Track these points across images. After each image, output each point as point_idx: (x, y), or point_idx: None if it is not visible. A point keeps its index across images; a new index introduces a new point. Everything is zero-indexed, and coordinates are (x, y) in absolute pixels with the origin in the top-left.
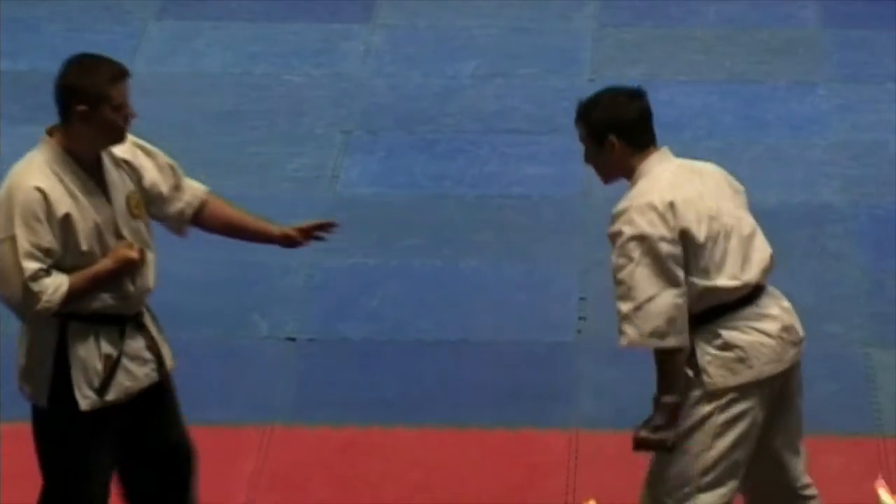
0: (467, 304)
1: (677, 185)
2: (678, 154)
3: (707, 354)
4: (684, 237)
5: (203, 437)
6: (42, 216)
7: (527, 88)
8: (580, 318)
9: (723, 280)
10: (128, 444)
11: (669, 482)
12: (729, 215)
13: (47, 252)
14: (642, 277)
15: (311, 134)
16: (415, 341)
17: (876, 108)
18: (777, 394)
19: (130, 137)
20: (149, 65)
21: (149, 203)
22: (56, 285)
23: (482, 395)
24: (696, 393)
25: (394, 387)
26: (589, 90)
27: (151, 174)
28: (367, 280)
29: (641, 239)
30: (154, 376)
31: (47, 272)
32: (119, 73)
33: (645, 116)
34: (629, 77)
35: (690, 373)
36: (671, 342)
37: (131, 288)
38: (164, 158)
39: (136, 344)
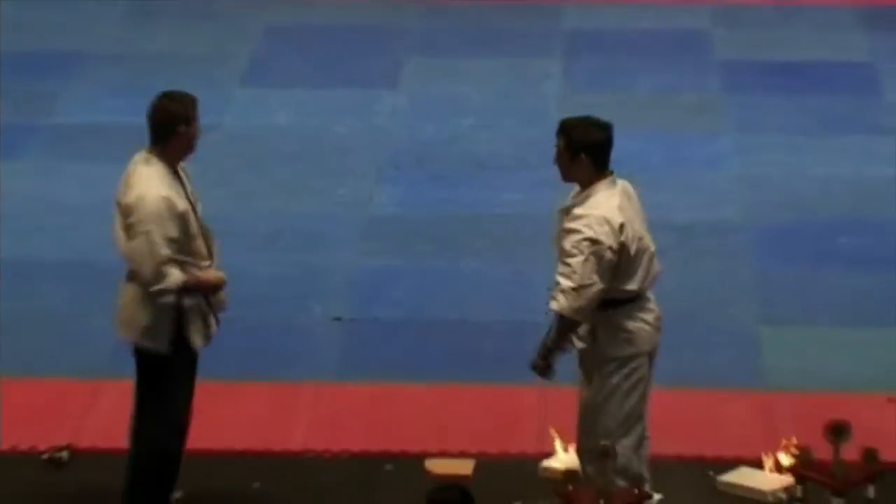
0: (466, 293)
1: (623, 209)
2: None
3: (605, 333)
4: (622, 250)
5: (271, 391)
6: (168, 215)
7: (509, 137)
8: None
9: (631, 285)
10: None
11: (598, 435)
12: (645, 237)
13: (174, 241)
14: (586, 269)
15: (352, 170)
16: (427, 321)
17: (764, 152)
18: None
19: None
20: (235, 119)
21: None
22: (176, 276)
23: (477, 360)
24: (599, 360)
25: (411, 354)
26: (554, 140)
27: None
28: (393, 276)
29: (594, 242)
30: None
31: (174, 262)
32: (195, 102)
33: (607, 145)
34: None
35: (582, 345)
36: (581, 318)
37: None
38: None
39: (210, 310)
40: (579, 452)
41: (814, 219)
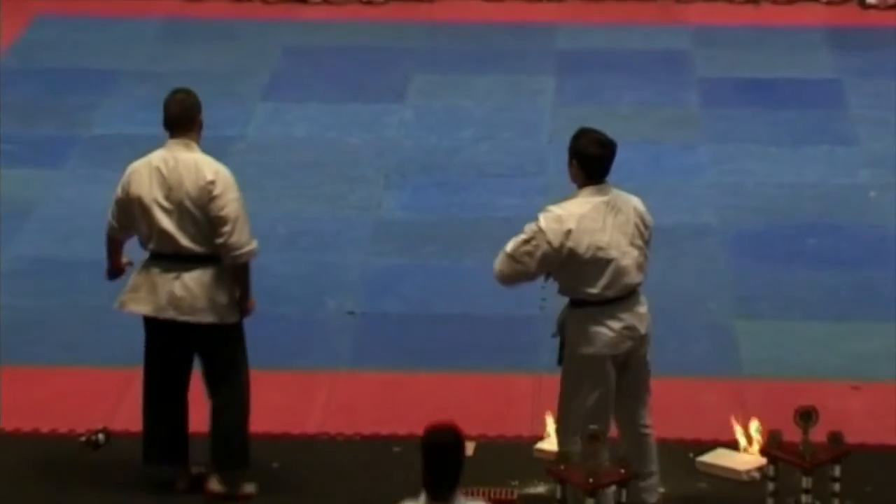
0: (467, 290)
1: (585, 218)
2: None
3: (571, 330)
4: (571, 254)
5: (290, 379)
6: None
7: (506, 147)
8: (542, 299)
9: (591, 289)
10: None
11: (568, 424)
12: (616, 249)
13: None
14: (523, 247)
15: (363, 177)
16: (432, 315)
17: (739, 161)
18: (621, 366)
19: None
20: (257, 131)
21: None
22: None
23: (477, 350)
24: (567, 354)
25: (418, 345)
26: (548, 150)
27: None
28: (400, 274)
29: (539, 231)
30: None
31: None
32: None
33: (601, 160)
34: None
35: (554, 335)
36: (502, 282)
37: None
38: None
39: None
40: (556, 433)
41: (784, 222)
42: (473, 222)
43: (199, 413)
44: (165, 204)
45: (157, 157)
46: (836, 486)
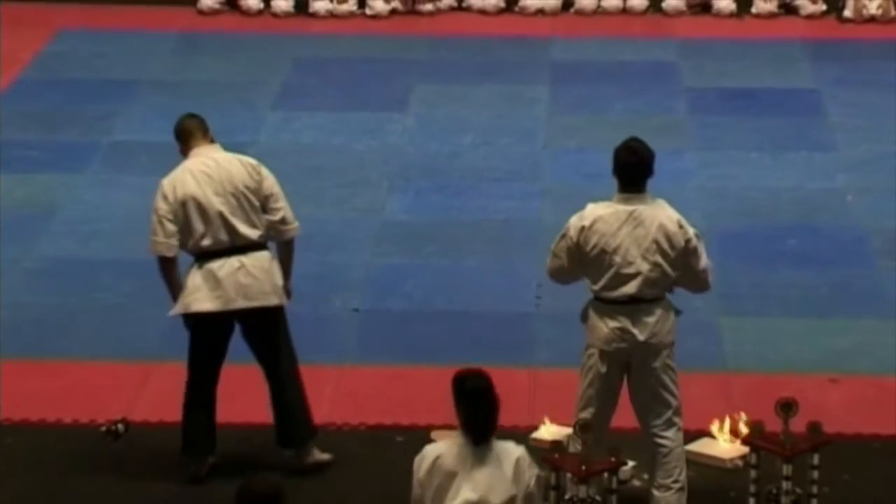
0: (466, 288)
1: (601, 220)
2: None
3: (586, 317)
4: (580, 250)
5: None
6: None
7: (503, 153)
8: (537, 297)
9: (592, 284)
10: None
11: (577, 404)
12: (622, 257)
13: None
14: (559, 245)
15: (368, 181)
16: (433, 312)
17: (723, 166)
18: (625, 367)
19: None
20: (267, 138)
21: None
22: None
23: (475, 345)
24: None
25: (420, 341)
26: (543, 155)
27: None
28: (403, 273)
29: (568, 227)
30: None
31: None
32: None
33: (629, 167)
34: (568, 146)
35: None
36: (552, 278)
37: None
38: None
39: None
40: None
41: (766, 224)
42: (472, 224)
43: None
44: (220, 198)
45: (191, 163)
46: (815, 474)
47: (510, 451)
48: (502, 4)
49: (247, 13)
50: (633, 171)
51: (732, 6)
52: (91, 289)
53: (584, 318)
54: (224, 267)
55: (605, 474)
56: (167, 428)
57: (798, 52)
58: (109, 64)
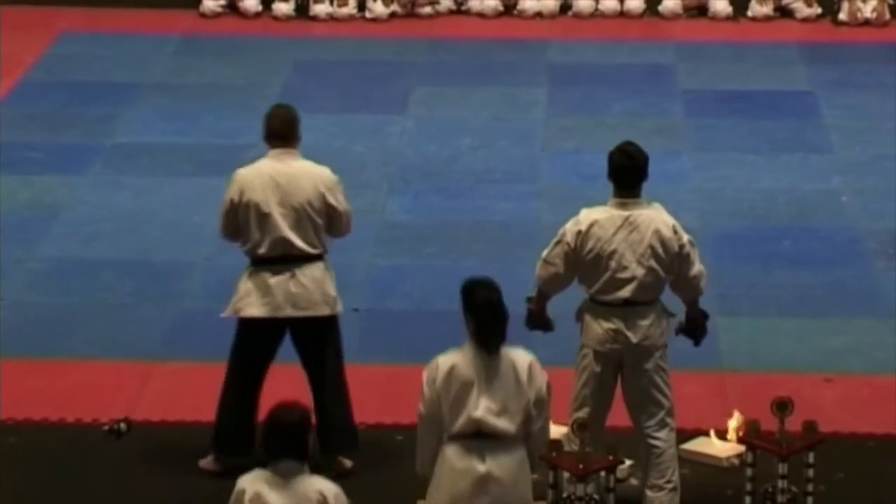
0: None
1: (596, 224)
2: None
3: (583, 320)
4: (576, 254)
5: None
6: None
7: (501, 155)
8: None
9: (588, 287)
10: None
11: (572, 403)
12: (619, 262)
13: None
14: (553, 252)
15: (367, 183)
16: (432, 312)
17: (719, 168)
18: (618, 367)
19: None
20: None
21: None
22: None
23: None
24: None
25: (419, 340)
26: (541, 157)
27: None
28: (403, 273)
29: (564, 233)
30: None
31: None
32: None
33: (624, 170)
34: (566, 148)
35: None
36: (542, 287)
37: None
38: None
39: None
40: None
41: (762, 225)
42: (471, 225)
43: (200, 403)
44: (283, 210)
45: (265, 166)
46: (811, 472)
47: (522, 358)
48: (500, 8)
49: (245, 15)
50: (629, 175)
51: (728, 9)
52: (93, 289)
53: (579, 318)
54: (276, 274)
55: (603, 473)
56: (169, 427)
57: (793, 55)
58: (111, 66)
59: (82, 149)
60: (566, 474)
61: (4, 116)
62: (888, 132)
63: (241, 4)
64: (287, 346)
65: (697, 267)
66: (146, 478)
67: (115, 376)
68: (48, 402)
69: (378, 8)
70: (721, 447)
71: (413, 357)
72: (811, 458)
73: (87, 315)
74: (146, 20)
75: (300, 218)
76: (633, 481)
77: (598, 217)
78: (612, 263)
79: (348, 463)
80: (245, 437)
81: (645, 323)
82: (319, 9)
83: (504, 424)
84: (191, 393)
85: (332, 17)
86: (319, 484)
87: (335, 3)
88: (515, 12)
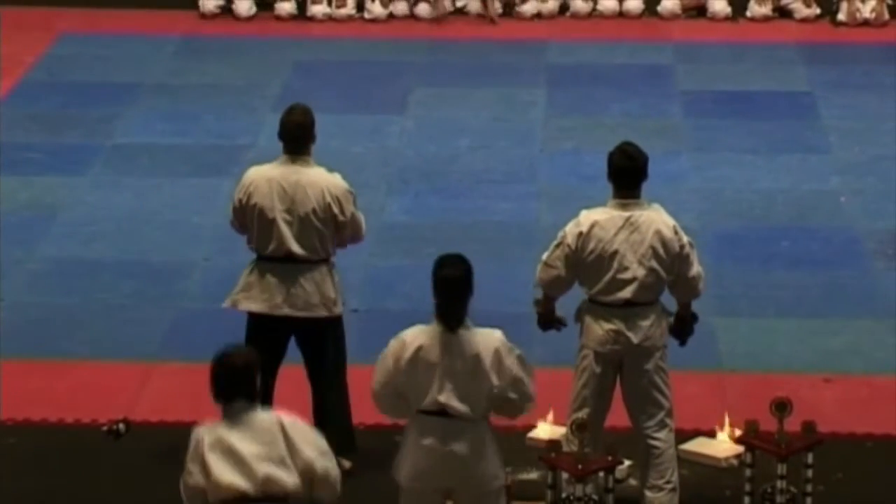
0: None
1: (597, 225)
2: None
3: (581, 319)
4: (578, 256)
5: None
6: None
7: (500, 155)
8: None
9: (589, 290)
10: None
11: (571, 405)
12: (620, 263)
13: None
14: (554, 255)
15: (367, 183)
16: (431, 313)
17: (718, 168)
18: (618, 368)
19: None
20: (267, 141)
21: None
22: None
23: None
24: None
25: None
26: (540, 158)
27: None
28: (402, 274)
29: (564, 235)
30: None
31: None
32: None
33: (624, 171)
34: (565, 149)
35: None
36: (544, 289)
37: None
38: None
39: None
40: None
41: (760, 225)
42: (470, 225)
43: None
44: (288, 217)
45: (275, 171)
46: (809, 473)
47: (489, 341)
48: (499, 11)
49: (238, 18)
50: (629, 175)
51: (727, 10)
52: (93, 289)
53: (579, 318)
54: (278, 274)
55: (602, 473)
56: (168, 427)
57: (792, 56)
58: (111, 67)
59: (82, 149)
60: (565, 475)
61: (4, 116)
62: (887, 132)
63: (234, 7)
64: (291, 347)
65: (696, 268)
66: (145, 478)
67: (115, 377)
68: (47, 403)
69: (377, 8)
70: (720, 447)
71: None
72: (810, 458)
73: (86, 315)
74: (146, 20)
75: (304, 226)
76: (633, 481)
77: (598, 218)
78: (614, 264)
79: (347, 463)
80: None
81: (645, 323)
82: (317, 9)
83: (467, 408)
84: (190, 393)
85: (330, 18)
86: (273, 414)
87: (333, 4)
88: (514, 13)
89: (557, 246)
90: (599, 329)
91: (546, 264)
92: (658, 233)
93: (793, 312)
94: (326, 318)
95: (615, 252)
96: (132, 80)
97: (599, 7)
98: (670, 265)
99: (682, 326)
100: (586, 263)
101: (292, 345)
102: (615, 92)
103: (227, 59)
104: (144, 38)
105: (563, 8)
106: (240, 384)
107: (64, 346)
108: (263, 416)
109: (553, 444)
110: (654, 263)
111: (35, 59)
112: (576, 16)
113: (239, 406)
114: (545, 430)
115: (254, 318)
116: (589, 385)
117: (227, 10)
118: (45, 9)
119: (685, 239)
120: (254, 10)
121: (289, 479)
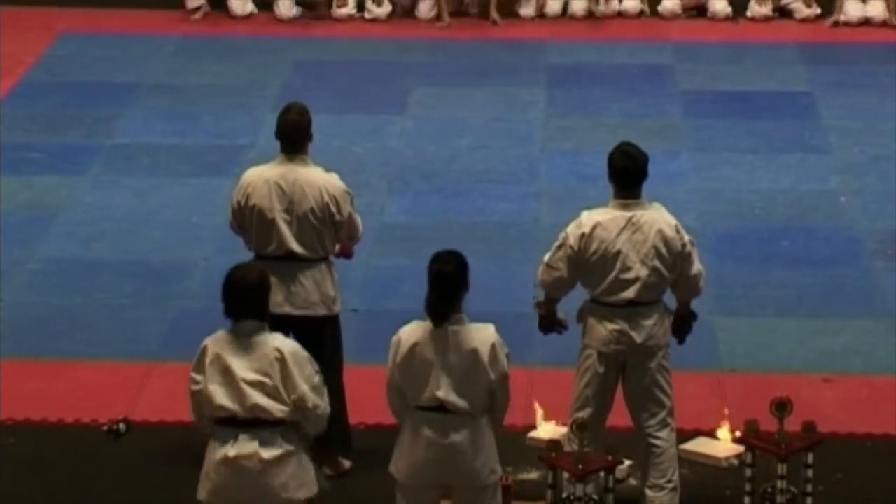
0: None
1: (600, 226)
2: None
3: (583, 320)
4: (580, 257)
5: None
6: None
7: (500, 155)
8: (534, 297)
9: (590, 288)
10: None
11: (573, 405)
12: (623, 263)
13: None
14: (556, 256)
15: (367, 183)
16: None
17: (718, 168)
18: (621, 368)
19: None
20: (267, 140)
21: None
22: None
23: None
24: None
25: None
26: (540, 157)
27: None
28: (402, 274)
29: (566, 236)
30: None
31: None
32: None
33: (625, 171)
34: (564, 149)
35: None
36: (545, 290)
37: None
38: None
39: None
40: None
41: (760, 225)
42: (470, 226)
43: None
44: (287, 216)
45: (273, 171)
46: (809, 473)
47: (485, 338)
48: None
49: (233, 17)
50: (630, 175)
51: (727, 10)
52: (93, 289)
53: (581, 319)
54: (278, 273)
55: (602, 473)
56: (168, 427)
57: (792, 56)
58: (111, 67)
59: (82, 149)
60: (565, 474)
61: (4, 116)
62: (887, 132)
63: (229, 5)
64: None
65: (697, 267)
66: (145, 478)
67: (115, 377)
68: (47, 403)
69: (377, 9)
70: (720, 447)
71: None
72: (810, 458)
73: (86, 315)
74: (146, 20)
75: (303, 225)
76: (633, 481)
77: (600, 219)
78: (617, 265)
79: (347, 463)
80: None
81: (649, 323)
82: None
83: (465, 403)
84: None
85: (330, 18)
86: (277, 341)
87: (334, 3)
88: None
89: (559, 247)
90: (603, 329)
91: (548, 265)
92: (660, 232)
93: (793, 312)
94: (325, 316)
95: (618, 252)
96: (132, 80)
97: (599, 7)
98: (672, 264)
99: (682, 325)
100: (589, 264)
101: None
102: (615, 92)
103: (226, 60)
104: (144, 38)
105: (564, 8)
106: (250, 302)
107: (64, 346)
108: (268, 342)
109: (553, 444)
110: (656, 263)
111: (35, 59)
112: (574, 16)
113: (247, 327)
114: (546, 429)
115: None
116: (591, 385)
117: (217, 7)
118: (45, 9)
119: (686, 238)
120: (247, 9)
121: (278, 410)
